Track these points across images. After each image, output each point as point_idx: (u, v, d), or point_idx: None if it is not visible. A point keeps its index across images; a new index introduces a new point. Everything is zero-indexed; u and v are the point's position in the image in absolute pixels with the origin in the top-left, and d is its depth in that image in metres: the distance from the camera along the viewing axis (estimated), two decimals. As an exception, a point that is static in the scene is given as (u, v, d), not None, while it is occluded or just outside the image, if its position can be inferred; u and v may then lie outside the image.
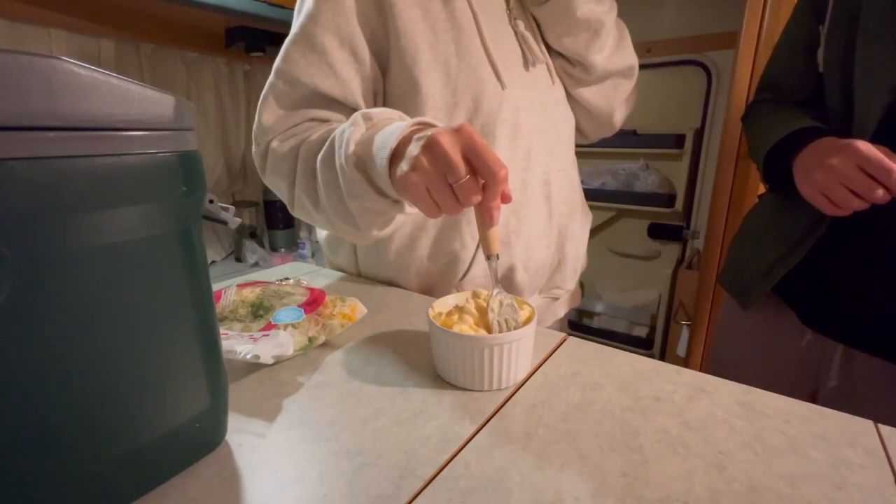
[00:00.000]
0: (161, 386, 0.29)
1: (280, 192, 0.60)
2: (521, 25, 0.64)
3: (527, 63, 0.64)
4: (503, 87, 0.60)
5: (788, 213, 0.66)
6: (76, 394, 0.25)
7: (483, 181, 0.40)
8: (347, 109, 0.59)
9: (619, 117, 0.77)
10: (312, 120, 0.58)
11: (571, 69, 0.69)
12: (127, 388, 0.27)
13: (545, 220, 0.67)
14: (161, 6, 1.15)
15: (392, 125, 0.46)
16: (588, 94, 0.72)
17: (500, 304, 0.44)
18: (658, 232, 2.06)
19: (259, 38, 1.41)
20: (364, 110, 0.50)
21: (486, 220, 0.41)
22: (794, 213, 0.65)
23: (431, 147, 0.40)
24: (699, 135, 1.91)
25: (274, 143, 0.58)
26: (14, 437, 0.23)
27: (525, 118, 0.62)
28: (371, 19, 0.57)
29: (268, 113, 0.58)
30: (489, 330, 0.43)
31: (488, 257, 0.43)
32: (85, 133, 0.24)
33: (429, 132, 0.41)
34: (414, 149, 0.41)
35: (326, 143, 0.52)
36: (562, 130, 0.69)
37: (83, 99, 0.23)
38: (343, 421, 0.37)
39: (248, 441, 0.35)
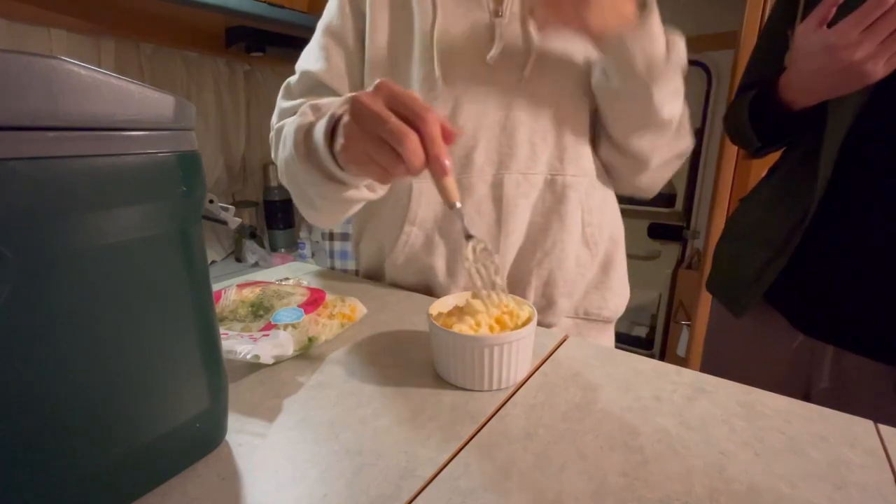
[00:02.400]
0: (161, 386, 0.29)
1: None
2: (504, 11, 0.59)
3: (489, 56, 0.59)
4: (438, 86, 0.59)
5: (771, 216, 0.67)
6: (76, 394, 0.25)
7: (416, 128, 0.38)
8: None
9: (660, 184, 0.69)
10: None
11: (622, 160, 0.63)
12: (127, 388, 0.27)
13: (491, 224, 0.62)
14: (161, 6, 1.15)
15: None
16: (640, 179, 0.65)
17: (474, 250, 0.43)
18: (658, 232, 2.06)
19: (259, 38, 1.41)
20: (313, 101, 0.54)
21: (436, 170, 0.39)
22: (776, 217, 0.65)
23: (353, 107, 0.40)
24: (699, 135, 1.91)
25: (277, 126, 0.64)
26: (14, 436, 0.23)
27: (469, 117, 0.60)
28: (359, 21, 0.63)
29: (280, 101, 0.66)
30: (471, 280, 0.43)
31: (451, 207, 0.41)
32: (85, 133, 0.24)
33: None
34: (343, 118, 0.42)
35: (287, 129, 0.56)
36: (534, 128, 0.61)
37: (83, 99, 0.23)
38: (343, 421, 0.37)
39: (248, 441, 0.35)
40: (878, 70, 0.50)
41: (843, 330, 0.60)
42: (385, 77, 0.60)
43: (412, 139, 0.37)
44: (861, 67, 0.50)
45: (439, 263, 0.64)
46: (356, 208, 0.61)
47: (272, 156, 0.65)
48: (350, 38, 0.62)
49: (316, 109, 0.53)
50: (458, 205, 0.41)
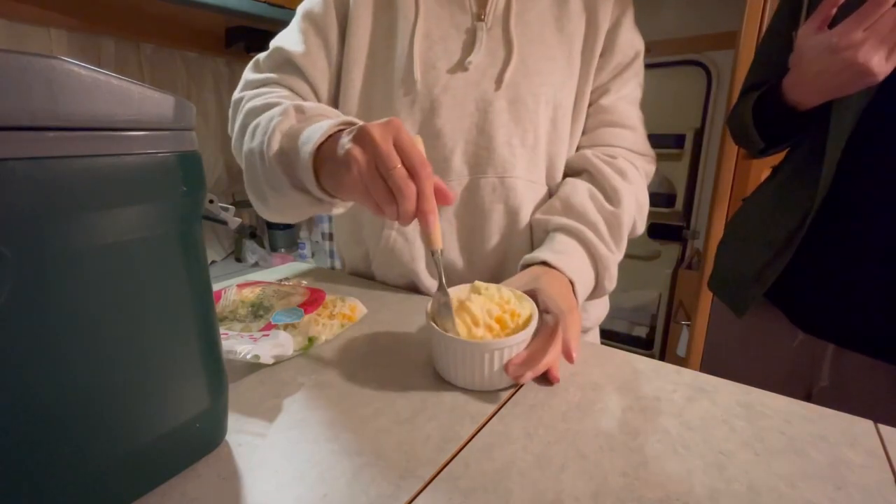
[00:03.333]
0: (161, 386, 0.29)
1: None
2: (487, 15, 0.59)
3: (468, 60, 0.59)
4: (417, 88, 0.58)
5: (773, 216, 0.67)
6: (76, 394, 0.25)
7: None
8: (309, 86, 0.62)
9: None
10: (278, 84, 0.61)
11: None
12: (127, 388, 0.27)
13: (469, 229, 0.63)
14: (161, 6, 1.15)
15: (322, 122, 0.46)
16: None
17: (438, 303, 0.43)
18: (658, 232, 2.06)
19: (259, 38, 1.41)
20: (297, 102, 0.52)
21: (422, 224, 0.40)
22: (778, 217, 0.65)
23: (362, 137, 0.39)
24: (699, 135, 1.91)
25: (236, 96, 0.62)
26: (14, 437, 0.23)
27: (447, 119, 0.59)
28: (341, 13, 0.61)
29: (247, 73, 0.64)
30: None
31: (433, 253, 0.42)
32: (85, 133, 0.24)
33: (360, 124, 0.41)
34: (346, 143, 0.41)
35: (261, 119, 0.53)
36: (513, 132, 0.60)
37: (83, 99, 0.23)
38: (343, 421, 0.37)
39: (248, 441, 0.35)
40: (882, 70, 0.50)
41: (843, 328, 0.61)
42: (365, 72, 0.61)
43: (412, 193, 0.38)
44: (864, 67, 0.50)
45: (420, 266, 0.64)
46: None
47: (228, 129, 0.63)
48: (329, 29, 0.61)
49: (300, 111, 0.50)
50: (441, 249, 0.42)
